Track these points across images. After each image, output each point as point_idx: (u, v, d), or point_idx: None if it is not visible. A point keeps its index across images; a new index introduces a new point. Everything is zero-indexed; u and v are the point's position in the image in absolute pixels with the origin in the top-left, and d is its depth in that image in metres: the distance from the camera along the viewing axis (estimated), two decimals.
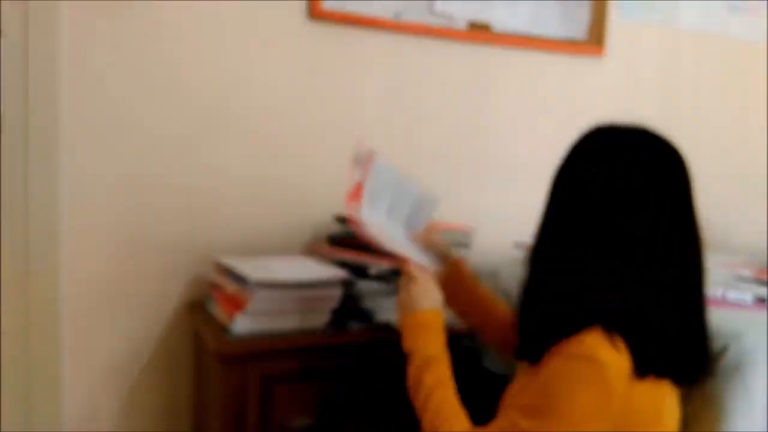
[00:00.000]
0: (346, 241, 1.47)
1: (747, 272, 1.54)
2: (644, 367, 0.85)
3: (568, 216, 0.93)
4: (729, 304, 1.23)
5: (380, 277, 1.37)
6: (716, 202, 2.11)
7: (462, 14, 1.69)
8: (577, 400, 0.83)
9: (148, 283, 1.49)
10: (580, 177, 0.93)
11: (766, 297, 1.23)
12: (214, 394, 1.27)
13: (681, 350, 0.90)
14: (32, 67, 1.32)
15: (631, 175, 0.90)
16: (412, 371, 1.02)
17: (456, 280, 1.22)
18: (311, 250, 1.58)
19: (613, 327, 0.84)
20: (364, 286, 1.35)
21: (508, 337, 1.14)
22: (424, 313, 1.05)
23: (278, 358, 1.22)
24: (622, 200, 0.89)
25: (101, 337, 1.47)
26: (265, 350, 1.21)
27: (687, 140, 2.23)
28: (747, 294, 1.24)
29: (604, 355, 0.83)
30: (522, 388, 0.93)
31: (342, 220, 1.51)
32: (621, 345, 0.84)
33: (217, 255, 1.46)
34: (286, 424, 1.23)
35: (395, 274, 1.35)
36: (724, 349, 1.06)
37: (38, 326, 1.38)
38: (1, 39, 1.28)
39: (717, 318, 1.14)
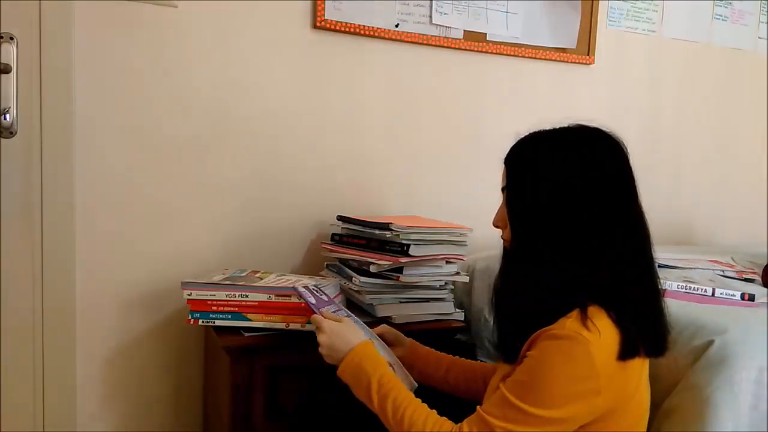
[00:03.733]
0: (349, 239, 1.46)
1: (732, 271, 1.53)
2: (631, 342, 0.86)
3: (532, 214, 0.92)
4: (718, 300, 1.21)
5: (381, 275, 1.35)
6: (701, 204, 2.11)
7: (459, 25, 1.68)
8: (561, 377, 0.83)
9: (157, 283, 1.47)
10: (542, 176, 0.91)
11: (753, 294, 1.21)
12: (223, 385, 1.26)
13: (654, 323, 0.92)
14: (45, 72, 1.31)
15: (587, 169, 0.90)
16: (376, 404, 0.94)
17: (417, 357, 1.17)
18: (316, 248, 1.57)
19: (601, 304, 0.86)
20: (366, 282, 1.33)
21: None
22: (355, 350, 0.99)
23: (283, 350, 1.20)
24: (581, 193, 0.89)
25: (112, 335, 1.46)
26: (270, 343, 1.20)
27: (673, 144, 2.24)
28: (735, 290, 1.22)
29: (586, 333, 0.83)
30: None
31: (344, 219, 1.50)
32: (606, 323, 0.85)
33: (226, 254, 1.45)
34: (289, 411, 1.22)
35: (395, 272, 1.34)
36: (709, 343, 1.04)
37: (52, 325, 1.36)
38: (16, 43, 1.27)
39: (704, 313, 1.13)
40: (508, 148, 0.98)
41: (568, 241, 0.89)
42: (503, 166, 0.99)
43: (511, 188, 0.96)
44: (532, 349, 0.87)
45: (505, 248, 1.01)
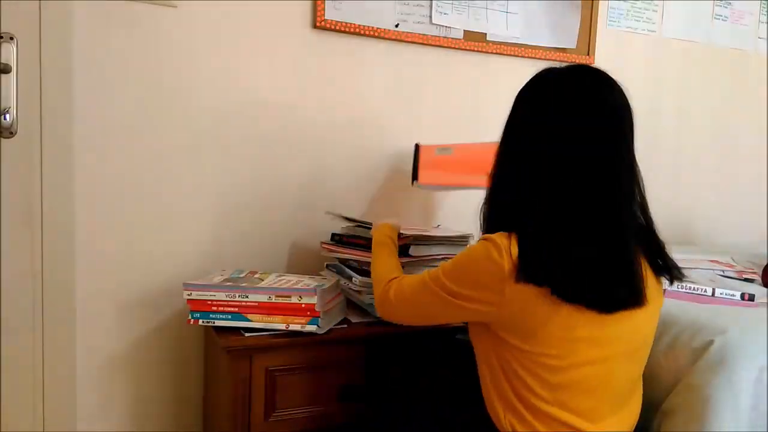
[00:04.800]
0: (348, 239, 1.46)
1: (732, 271, 1.52)
2: (530, 275, 0.89)
3: (513, 144, 1.02)
4: (718, 300, 1.21)
5: None
6: (701, 204, 2.11)
7: (459, 25, 1.68)
8: (471, 263, 0.95)
9: (157, 283, 1.47)
10: (528, 109, 1.04)
11: (753, 294, 1.21)
12: (223, 385, 1.26)
13: (589, 276, 0.90)
14: (45, 72, 1.31)
15: (574, 108, 0.97)
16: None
17: None
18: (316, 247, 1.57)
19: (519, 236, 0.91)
20: (366, 282, 1.33)
21: None
22: (383, 226, 1.29)
23: (283, 350, 1.20)
24: (560, 130, 0.95)
25: (112, 335, 1.45)
26: (270, 344, 1.20)
27: (673, 143, 2.24)
28: (735, 291, 1.22)
29: (497, 238, 0.91)
30: None
31: (343, 220, 1.50)
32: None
33: (225, 254, 1.45)
34: (288, 411, 1.22)
35: None
36: (709, 343, 1.04)
37: (52, 325, 1.36)
38: (16, 43, 1.27)
39: (704, 313, 1.13)
40: None
41: (520, 174, 0.96)
42: None
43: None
44: None
45: None
